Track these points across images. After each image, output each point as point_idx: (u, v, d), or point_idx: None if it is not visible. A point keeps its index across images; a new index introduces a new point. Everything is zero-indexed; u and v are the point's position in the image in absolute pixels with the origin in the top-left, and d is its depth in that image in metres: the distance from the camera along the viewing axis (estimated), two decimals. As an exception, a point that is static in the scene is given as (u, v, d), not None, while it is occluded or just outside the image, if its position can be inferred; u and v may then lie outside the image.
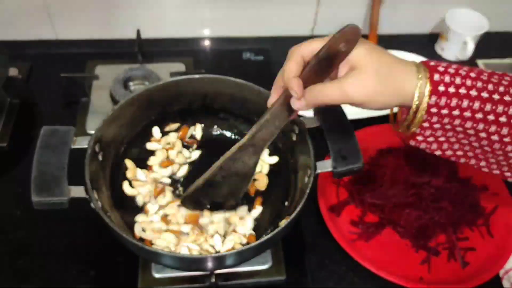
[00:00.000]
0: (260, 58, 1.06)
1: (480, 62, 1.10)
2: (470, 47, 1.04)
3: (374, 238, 0.77)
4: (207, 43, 1.11)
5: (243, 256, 0.62)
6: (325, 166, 0.66)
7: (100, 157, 0.68)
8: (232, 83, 0.75)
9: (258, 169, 0.75)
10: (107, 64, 1.00)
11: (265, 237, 0.59)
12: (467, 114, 0.53)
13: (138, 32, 1.00)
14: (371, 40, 1.08)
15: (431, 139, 0.57)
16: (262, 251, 0.66)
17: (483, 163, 0.59)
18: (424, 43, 1.15)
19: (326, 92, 0.53)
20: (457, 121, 0.53)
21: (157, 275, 0.69)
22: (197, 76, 0.76)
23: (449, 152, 0.58)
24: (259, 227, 0.71)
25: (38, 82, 0.98)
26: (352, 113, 0.94)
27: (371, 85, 0.52)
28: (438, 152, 0.59)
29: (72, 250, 0.74)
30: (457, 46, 1.07)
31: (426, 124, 0.54)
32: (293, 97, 0.54)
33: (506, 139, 0.54)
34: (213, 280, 0.67)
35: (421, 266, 0.74)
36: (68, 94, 0.94)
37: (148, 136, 0.78)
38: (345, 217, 0.79)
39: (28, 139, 0.88)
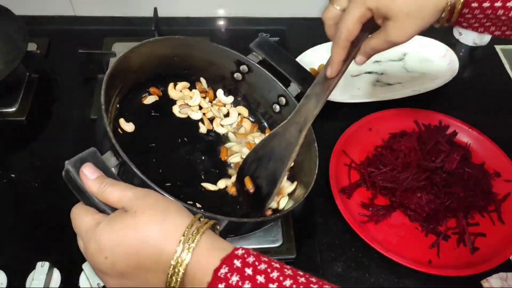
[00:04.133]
0: (276, 39, 1.06)
1: (498, 48, 1.09)
2: (489, 33, 1.03)
3: (384, 220, 0.77)
4: (223, 22, 1.11)
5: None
6: (295, 89, 0.76)
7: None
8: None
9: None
10: (124, 42, 1.00)
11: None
12: (510, 4, 0.53)
13: (155, 10, 1.00)
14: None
15: (476, 25, 0.58)
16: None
17: None
18: (442, 28, 1.13)
19: (374, 46, 0.61)
20: (500, 11, 0.53)
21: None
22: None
23: (497, 33, 0.59)
24: None
25: (56, 57, 0.99)
26: (365, 95, 0.94)
27: (410, 27, 0.57)
28: (486, 33, 0.60)
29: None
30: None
31: (469, 15, 0.56)
32: (356, 57, 0.63)
33: None
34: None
35: (430, 250, 0.75)
36: (85, 70, 0.95)
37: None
38: (356, 199, 0.80)
39: (46, 113, 0.90)
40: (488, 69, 1.05)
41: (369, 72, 1.00)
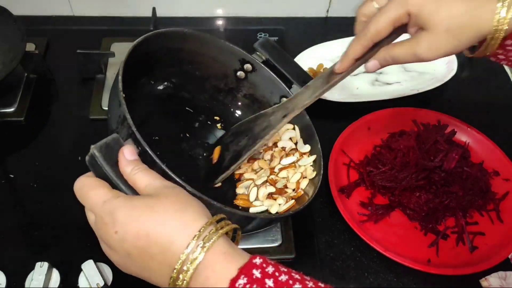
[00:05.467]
0: (275, 38, 1.06)
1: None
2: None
3: (383, 220, 0.78)
4: (221, 22, 1.11)
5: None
6: (297, 91, 0.72)
7: None
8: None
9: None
10: (123, 42, 1.00)
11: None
12: None
13: (154, 10, 1.00)
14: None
15: None
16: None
17: None
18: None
19: (398, 55, 0.56)
20: None
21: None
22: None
23: None
24: None
25: (55, 57, 0.99)
26: (363, 95, 0.94)
27: (443, 45, 0.52)
28: None
29: (87, 223, 0.75)
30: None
31: (509, 41, 0.53)
32: (369, 61, 0.58)
33: None
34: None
35: (429, 249, 0.75)
36: (84, 70, 0.95)
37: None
38: (355, 198, 0.80)
39: (45, 113, 0.89)
40: (487, 68, 1.05)
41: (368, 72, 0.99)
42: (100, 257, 0.69)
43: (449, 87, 0.95)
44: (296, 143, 0.75)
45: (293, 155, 0.73)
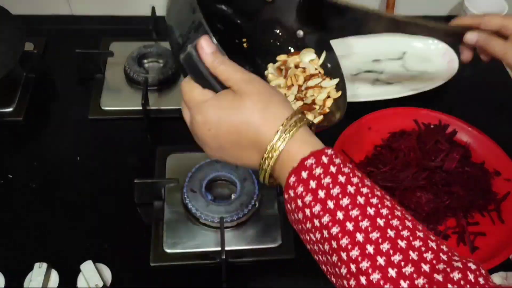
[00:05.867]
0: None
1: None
2: (488, 31, 1.03)
3: (384, 220, 0.77)
4: (221, 21, 1.11)
5: None
6: None
7: None
8: None
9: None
10: (122, 41, 1.00)
11: None
12: None
13: (153, 9, 1.00)
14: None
15: None
16: None
17: None
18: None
19: (494, 45, 0.72)
20: None
21: (168, 251, 0.70)
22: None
23: None
24: None
25: (54, 57, 0.99)
26: (364, 95, 0.94)
27: None
28: None
29: (85, 224, 0.75)
30: (475, 30, 1.06)
31: None
32: (472, 32, 0.74)
33: None
34: (223, 257, 0.68)
35: (430, 249, 0.74)
36: (83, 70, 0.94)
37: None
38: (355, 198, 0.79)
39: (44, 113, 0.89)
40: (488, 68, 1.04)
41: (369, 71, 0.99)
42: (99, 257, 0.69)
43: (450, 86, 0.95)
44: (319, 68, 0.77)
45: (318, 76, 0.75)
